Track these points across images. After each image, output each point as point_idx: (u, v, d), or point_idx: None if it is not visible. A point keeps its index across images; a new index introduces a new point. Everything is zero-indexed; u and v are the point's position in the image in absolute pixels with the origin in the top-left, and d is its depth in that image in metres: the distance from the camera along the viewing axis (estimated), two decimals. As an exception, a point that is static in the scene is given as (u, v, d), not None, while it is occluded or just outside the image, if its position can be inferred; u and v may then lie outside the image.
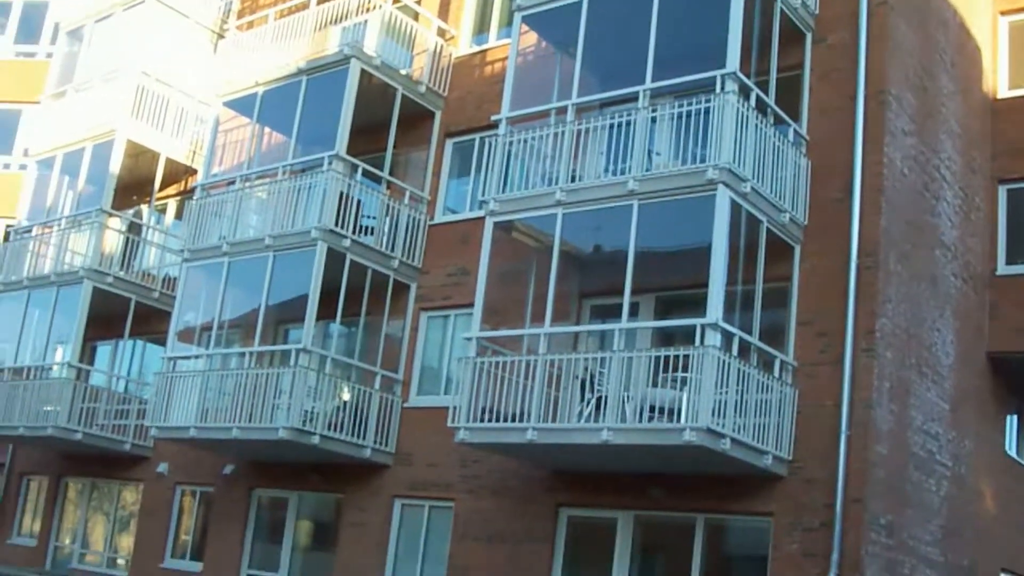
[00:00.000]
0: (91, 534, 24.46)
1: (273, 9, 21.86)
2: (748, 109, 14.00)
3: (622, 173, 14.49)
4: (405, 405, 18.49)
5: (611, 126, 14.95)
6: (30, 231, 24.86)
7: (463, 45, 20.35)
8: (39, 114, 26.21)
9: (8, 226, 26.37)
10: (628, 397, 13.63)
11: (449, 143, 19.74)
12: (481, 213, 16.63)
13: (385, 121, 19.18)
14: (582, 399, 14.51)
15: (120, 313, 22.79)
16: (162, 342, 21.94)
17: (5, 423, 22.99)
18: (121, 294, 22.80)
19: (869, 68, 14.89)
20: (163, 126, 23.65)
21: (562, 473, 16.00)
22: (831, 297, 14.33)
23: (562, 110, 15.62)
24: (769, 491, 14.17)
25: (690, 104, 14.14)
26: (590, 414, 14.19)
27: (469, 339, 15.48)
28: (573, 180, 15.06)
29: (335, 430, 17.69)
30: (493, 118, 16.59)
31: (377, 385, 18.31)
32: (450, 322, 18.48)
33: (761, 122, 14.30)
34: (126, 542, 23.37)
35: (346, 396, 18.16)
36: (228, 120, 21.86)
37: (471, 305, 16.33)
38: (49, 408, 22.27)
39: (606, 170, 14.92)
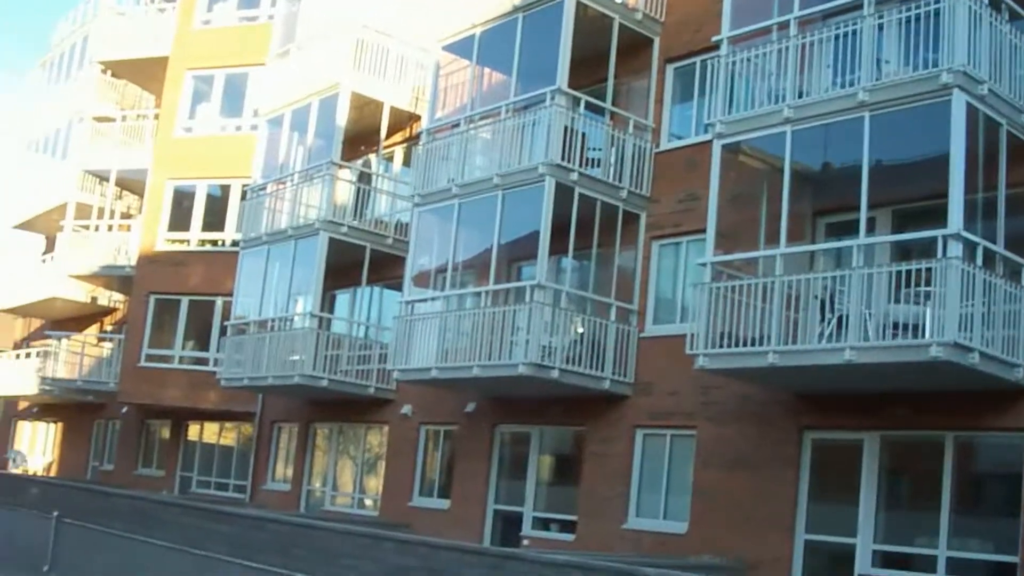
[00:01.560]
0: (340, 477, 26.36)
1: (483, -49, 22.66)
2: (981, 6, 13.94)
3: (851, 85, 14.69)
4: (641, 335, 19.22)
5: (836, 37, 15.13)
6: (265, 188, 26.72)
7: (677, -32, 20.64)
8: (265, 75, 28.06)
9: (244, 186, 28.35)
10: (869, 315, 13.86)
11: (670, 68, 20.19)
12: (707, 137, 17.17)
13: (603, 52, 19.79)
14: (822, 319, 14.79)
15: (356, 261, 24.34)
16: (398, 287, 23.41)
17: (254, 374, 24.98)
18: (356, 243, 24.33)
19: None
20: (385, 75, 24.99)
21: (804, 396, 16.38)
22: (1080, 197, 14.16)
23: (784, 25, 15.86)
24: (1021, 406, 14.15)
25: (918, 7, 14.16)
26: (831, 334, 14.47)
27: (703, 265, 16.04)
28: (800, 96, 15.34)
29: (573, 363, 18.59)
30: (714, 39, 16.99)
31: (612, 316, 19.11)
32: (682, 249, 19.08)
33: (995, 19, 14.20)
34: (373, 483, 25.09)
35: (580, 329, 18.99)
36: (448, 64, 22.93)
37: (702, 231, 16.88)
38: (295, 358, 24.06)
39: (834, 83, 15.15)
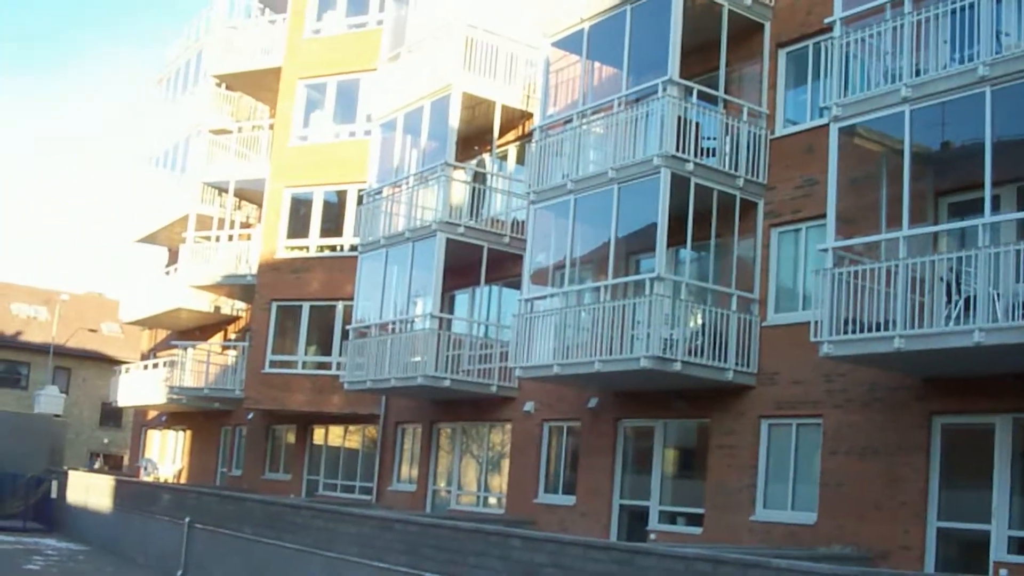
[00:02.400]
0: (464, 476, 26.82)
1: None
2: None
3: (970, 60, 14.60)
4: (764, 324, 19.29)
5: (952, 11, 15.04)
6: (381, 192, 27.31)
7: (785, -49, 20.64)
8: (377, 80, 28.69)
9: (360, 191, 29.01)
10: (998, 295, 13.74)
11: (782, 53, 20.21)
12: (824, 121, 17.16)
13: (713, 40, 19.90)
14: (948, 301, 14.73)
15: (474, 261, 24.79)
16: (516, 285, 23.80)
17: (377, 376, 25.56)
18: (473, 242, 24.76)
19: None
20: (495, 75, 25.41)
21: (933, 380, 16.29)
22: None
23: (898, 2, 15.81)
24: None
25: (1038, -24, 14.03)
26: (958, 316, 14.40)
27: (825, 250, 16.04)
28: (917, 74, 15.28)
29: (695, 355, 18.73)
30: (826, 21, 17.03)
31: (734, 306, 19.21)
32: (801, 235, 19.08)
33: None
34: (497, 481, 25.50)
35: (700, 320, 19.11)
36: (558, 60, 23.24)
37: (822, 216, 16.92)
38: (416, 359, 24.59)
39: (952, 59, 15.04)
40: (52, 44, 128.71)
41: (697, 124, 19.44)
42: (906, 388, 16.63)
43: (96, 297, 74.41)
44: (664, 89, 19.17)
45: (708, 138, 19.93)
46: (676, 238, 18.94)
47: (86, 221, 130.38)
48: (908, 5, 15.58)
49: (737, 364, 19.04)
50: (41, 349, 64.35)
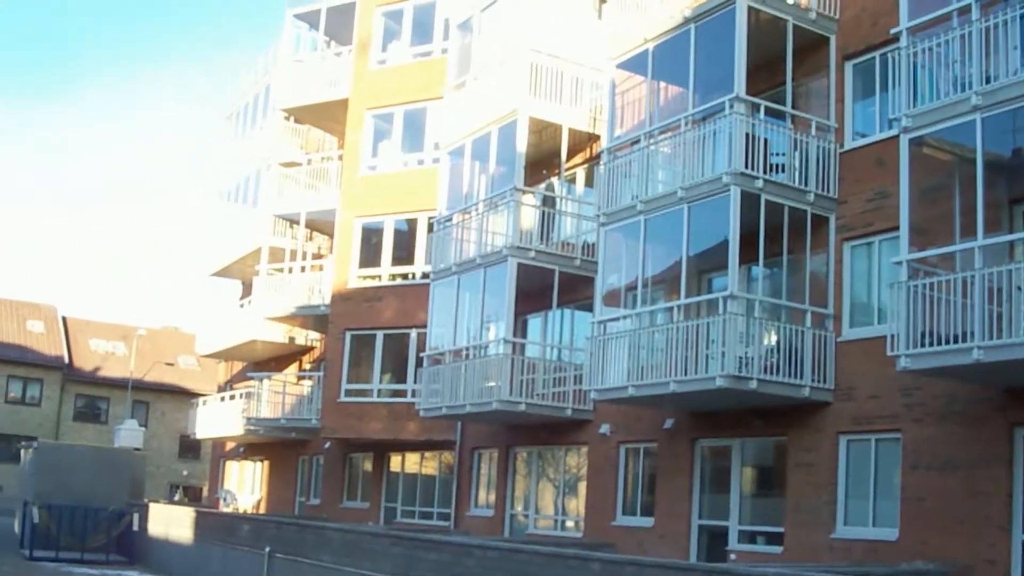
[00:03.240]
0: (541, 500, 26.91)
1: (651, -36, 23.07)
2: None
3: (1041, 66, 14.51)
4: (839, 339, 19.22)
5: (1022, 16, 14.98)
6: (451, 219, 27.58)
7: (847, -37, 20.64)
8: (443, 108, 29.02)
9: (430, 218, 29.32)
10: (1079, 302, 13.69)
11: (848, 66, 20.17)
12: (893, 132, 17.12)
13: (778, 55, 19.96)
14: (1027, 310, 14.64)
15: (545, 285, 24.94)
16: (589, 308, 23.93)
17: (452, 403, 25.78)
18: (544, 266, 24.90)
19: None
20: (561, 98, 25.59)
21: (1014, 391, 16.12)
22: None
23: (965, 9, 15.77)
24: None
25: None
26: (1038, 325, 14.29)
27: (899, 263, 16.00)
28: (987, 82, 15.22)
29: (771, 372, 18.73)
30: (892, 31, 17.02)
31: (808, 322, 19.18)
32: (874, 249, 19.01)
33: None
34: (574, 504, 25.56)
35: (774, 337, 19.09)
36: (623, 81, 23.39)
37: (895, 228, 16.88)
38: (491, 384, 24.77)
39: (1023, 65, 14.94)
40: (115, 77, 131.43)
41: (765, 140, 19.48)
42: (986, 400, 16.49)
43: (172, 331, 75.72)
44: (731, 106, 19.24)
45: (777, 154, 19.94)
46: (748, 255, 18.95)
47: (160, 256, 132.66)
48: (976, 12, 15.53)
49: (813, 380, 18.98)
50: (120, 384, 65.61)
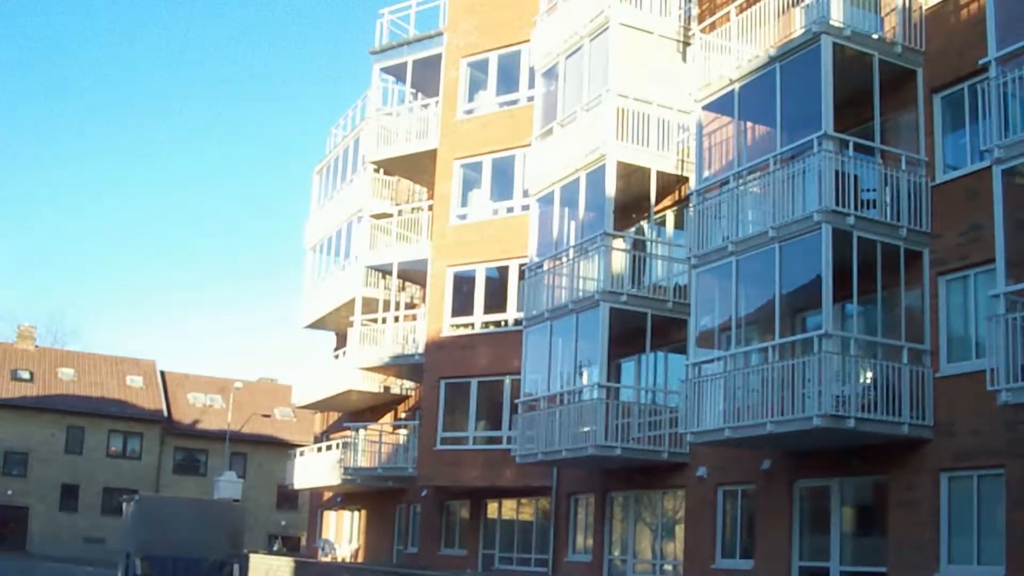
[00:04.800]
0: (639, 544, 26.87)
1: (733, 5, 23.28)
2: None
3: None
4: (936, 375, 19.04)
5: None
6: (542, 266, 27.83)
7: (932, -6, 20.61)
8: (531, 155, 29.39)
9: (521, 265, 29.61)
10: None
11: (936, 98, 20.10)
12: (985, 163, 17.04)
13: (865, 90, 19.99)
14: None
15: (638, 328, 25.03)
16: (682, 350, 23.98)
17: (548, 448, 25.93)
18: (636, 310, 25.00)
19: None
20: (648, 141, 25.78)
21: (1121, 422, 15.91)
22: None
23: (1055, 36, 15.69)
24: None
25: None
26: None
27: (996, 296, 15.90)
28: (1080, 109, 15.12)
29: (868, 410, 18.62)
30: (981, 62, 16.99)
31: (905, 358, 19.06)
32: (970, 282, 18.86)
33: None
34: (672, 548, 25.51)
35: (870, 375, 18.98)
36: (710, 123, 23.55)
37: (991, 261, 16.79)
38: (586, 429, 24.88)
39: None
40: (201, 130, 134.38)
41: (855, 176, 19.46)
42: (1093, 433, 16.26)
43: (268, 383, 76.98)
44: (819, 144, 19.30)
45: (867, 190, 19.90)
46: (841, 292, 18.93)
47: (255, 309, 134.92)
48: (1065, 39, 15.48)
49: (912, 417, 18.83)
50: (218, 436, 66.78)
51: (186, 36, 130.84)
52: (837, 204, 18.96)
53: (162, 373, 72.52)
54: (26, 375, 67.02)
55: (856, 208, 19.17)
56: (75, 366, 69.95)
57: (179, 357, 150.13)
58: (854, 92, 20.04)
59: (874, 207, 19.73)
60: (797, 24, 22.04)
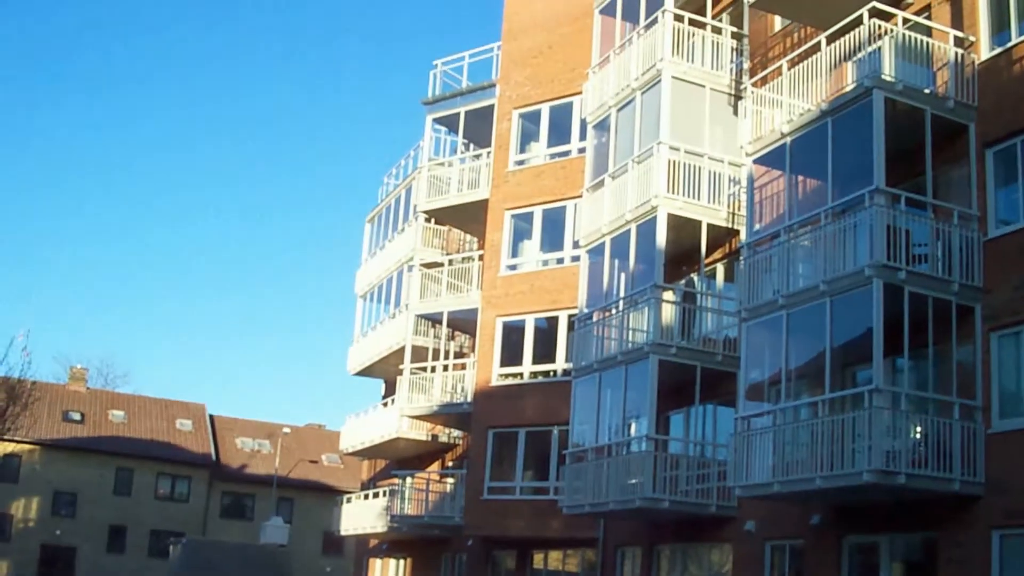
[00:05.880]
0: (687, 599, 26.71)
1: (784, 59, 23.44)
2: None
3: None
4: (989, 431, 18.93)
5: None
6: (591, 317, 27.96)
7: (984, 49, 20.62)
8: (582, 206, 29.61)
9: (570, 316, 29.77)
10: None
11: (989, 153, 20.11)
12: (1040, 218, 16.98)
13: (916, 145, 20.04)
14: None
15: (687, 381, 25.05)
16: (731, 403, 23.96)
17: (595, 500, 25.93)
18: (686, 363, 25.04)
19: None
20: (699, 194, 25.94)
21: None
22: None
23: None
24: None
25: None
26: None
27: (1049, 352, 15.82)
28: None
29: (919, 466, 18.54)
30: (1034, 117, 16.96)
31: (956, 415, 18.97)
32: (1023, 338, 18.76)
33: None
34: (717, 603, 25.33)
35: (921, 430, 18.91)
36: (761, 176, 23.65)
37: (1046, 317, 16.64)
38: (634, 481, 24.87)
39: None
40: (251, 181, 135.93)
41: (907, 231, 19.48)
42: None
43: (316, 429, 77.32)
44: (871, 198, 19.35)
45: (919, 244, 19.92)
46: (892, 347, 18.90)
47: (304, 355, 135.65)
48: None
49: (963, 474, 18.71)
50: (265, 481, 67.08)
51: (239, 77, 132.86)
52: (889, 259, 18.98)
53: (211, 417, 73.05)
54: (77, 416, 67.73)
55: (908, 263, 19.18)
56: (125, 408, 70.67)
57: (228, 401, 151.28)
58: (906, 146, 20.10)
59: (926, 262, 19.75)
60: (849, 78, 22.20)
